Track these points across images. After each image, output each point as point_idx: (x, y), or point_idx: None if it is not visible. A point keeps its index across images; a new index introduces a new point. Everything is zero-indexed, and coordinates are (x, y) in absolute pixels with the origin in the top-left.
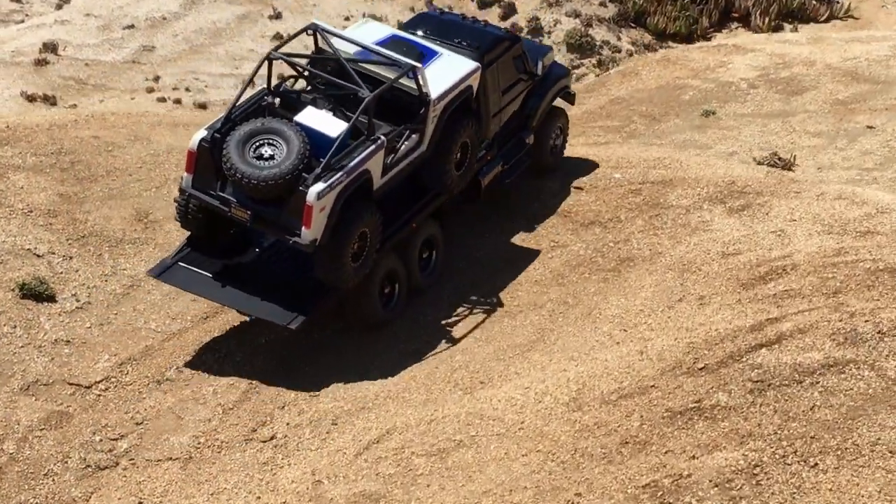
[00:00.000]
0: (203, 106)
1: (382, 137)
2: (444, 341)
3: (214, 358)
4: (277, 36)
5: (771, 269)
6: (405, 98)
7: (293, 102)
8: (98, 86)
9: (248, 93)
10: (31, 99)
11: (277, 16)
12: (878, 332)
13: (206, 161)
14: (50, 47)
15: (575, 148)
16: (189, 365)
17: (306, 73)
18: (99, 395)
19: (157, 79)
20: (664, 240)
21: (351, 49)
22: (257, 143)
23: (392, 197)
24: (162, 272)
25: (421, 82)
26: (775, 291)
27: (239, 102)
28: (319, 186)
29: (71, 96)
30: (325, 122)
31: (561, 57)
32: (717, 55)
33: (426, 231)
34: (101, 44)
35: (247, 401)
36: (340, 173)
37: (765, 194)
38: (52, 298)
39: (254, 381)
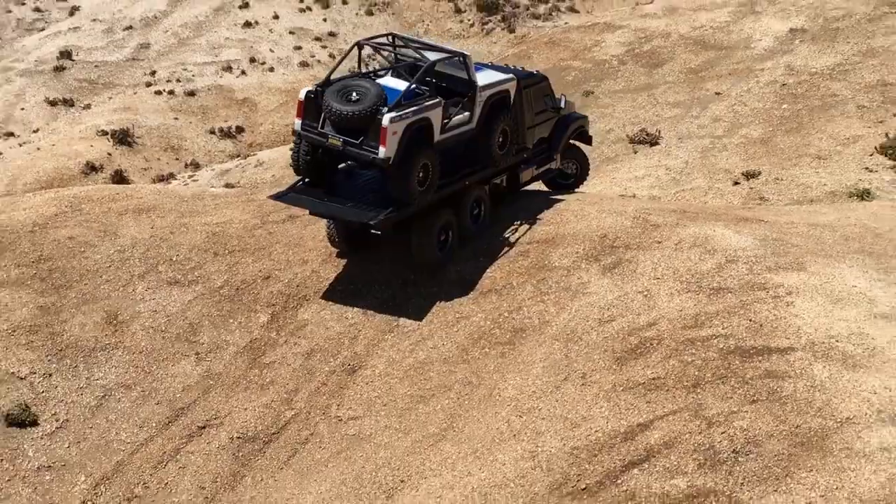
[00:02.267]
0: (192, 93)
1: (441, 98)
2: (358, 438)
3: (176, 468)
4: (247, 24)
5: (640, 340)
6: (460, 85)
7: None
8: (107, 84)
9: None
10: (52, 104)
11: (245, 5)
12: (734, 452)
13: (311, 108)
14: (66, 54)
15: None
16: (154, 478)
17: (385, 53)
18: None
19: (153, 73)
20: (550, 306)
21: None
22: (348, 92)
23: (451, 162)
24: (279, 197)
25: (470, 70)
26: (644, 379)
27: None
28: (392, 114)
29: (85, 97)
30: (398, 83)
31: (472, 15)
32: (592, 34)
33: (476, 192)
34: (107, 46)
35: None
36: (408, 110)
37: (632, 247)
38: (34, 423)
39: (211, 495)
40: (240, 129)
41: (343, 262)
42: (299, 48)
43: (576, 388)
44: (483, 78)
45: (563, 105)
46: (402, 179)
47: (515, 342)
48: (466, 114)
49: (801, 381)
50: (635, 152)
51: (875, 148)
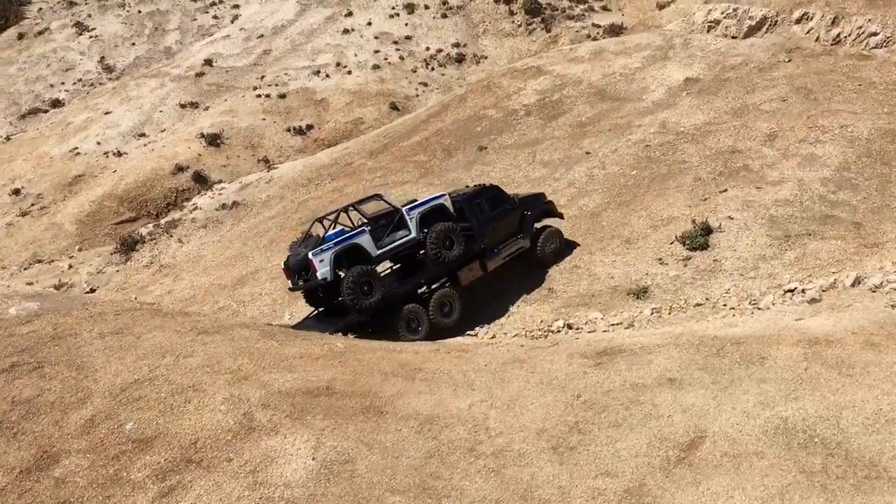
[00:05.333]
0: (283, 96)
1: (365, 227)
2: None
3: None
4: (345, 31)
5: None
6: (395, 215)
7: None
8: (228, 88)
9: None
10: (183, 106)
11: (349, 13)
12: None
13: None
14: (208, 61)
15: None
16: None
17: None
18: None
19: (262, 77)
20: None
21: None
22: (298, 251)
23: (412, 266)
24: (296, 326)
25: (390, 203)
26: None
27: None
28: (313, 250)
29: (209, 100)
30: (334, 231)
31: (520, 17)
32: (520, 80)
33: (442, 292)
34: (241, 52)
35: None
36: (331, 243)
37: (203, 464)
38: None
39: None
40: (310, 127)
41: None
42: (377, 52)
43: None
44: (416, 203)
45: (517, 200)
46: (348, 293)
47: None
48: (406, 231)
49: None
50: None
51: (676, 236)
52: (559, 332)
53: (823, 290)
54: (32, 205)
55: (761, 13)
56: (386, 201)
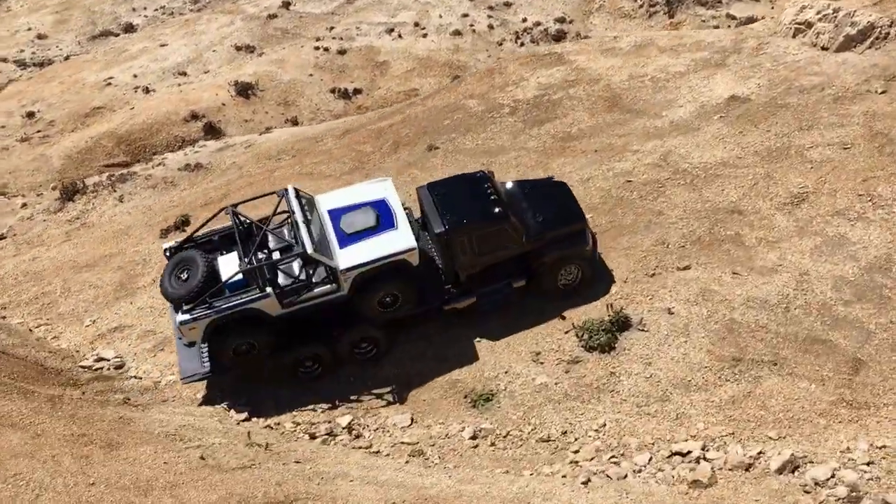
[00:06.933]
0: (343, 52)
1: (270, 291)
2: None
3: None
4: None
5: None
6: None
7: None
8: (294, 35)
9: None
10: (238, 49)
11: None
12: None
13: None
14: (286, 3)
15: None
16: None
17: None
18: None
19: (331, 28)
20: None
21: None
22: (181, 269)
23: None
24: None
25: (323, 259)
26: None
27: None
28: (185, 317)
29: (268, 45)
30: (228, 264)
31: None
32: (529, 68)
33: (364, 333)
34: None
35: None
36: (208, 311)
37: None
38: None
39: None
40: (357, 91)
41: None
42: (466, 16)
43: None
44: (362, 253)
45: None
46: (215, 352)
47: None
48: (335, 285)
49: None
50: None
51: (574, 323)
52: (328, 435)
53: (730, 469)
54: (38, 131)
55: (868, 19)
56: (322, 260)
